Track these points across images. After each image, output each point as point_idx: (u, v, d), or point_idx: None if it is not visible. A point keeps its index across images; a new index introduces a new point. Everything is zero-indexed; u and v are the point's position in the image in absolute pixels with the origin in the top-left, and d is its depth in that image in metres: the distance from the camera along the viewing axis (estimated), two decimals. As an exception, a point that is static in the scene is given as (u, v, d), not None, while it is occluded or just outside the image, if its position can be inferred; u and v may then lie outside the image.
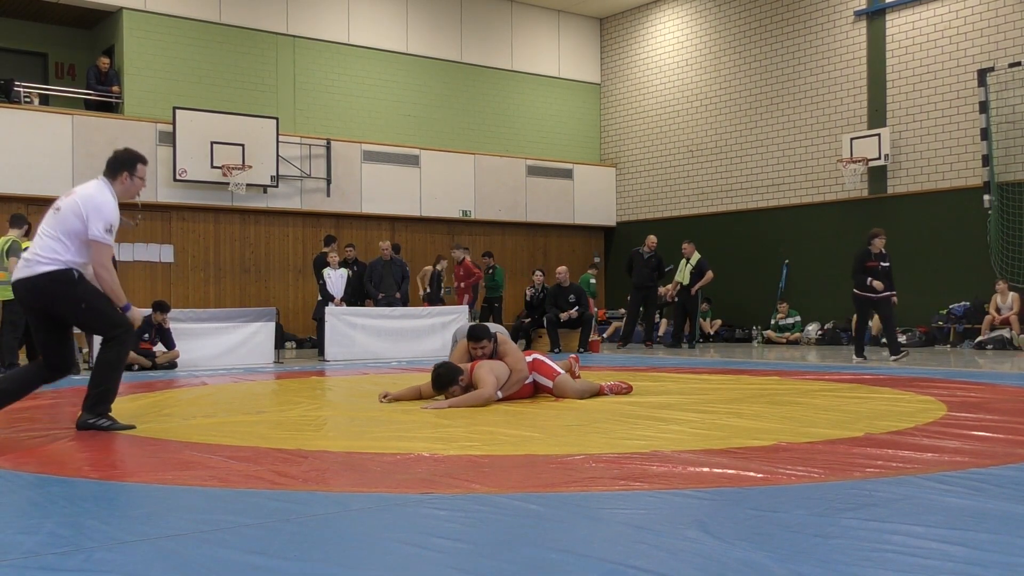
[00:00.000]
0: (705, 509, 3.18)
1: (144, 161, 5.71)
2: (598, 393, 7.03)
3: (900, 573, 2.39)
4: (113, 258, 13.06)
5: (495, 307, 16.01)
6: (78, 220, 5.34)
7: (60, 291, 5.33)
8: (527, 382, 6.86)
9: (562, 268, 15.33)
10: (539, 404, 6.55)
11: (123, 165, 5.64)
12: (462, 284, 15.15)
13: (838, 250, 16.58)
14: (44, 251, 5.33)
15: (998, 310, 13.89)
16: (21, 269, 5.38)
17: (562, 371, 7.04)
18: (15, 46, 16.90)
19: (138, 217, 13.68)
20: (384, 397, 6.88)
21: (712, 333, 17.48)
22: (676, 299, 15.52)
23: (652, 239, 15.88)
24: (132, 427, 5.45)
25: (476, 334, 6.91)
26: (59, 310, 5.39)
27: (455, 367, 6.66)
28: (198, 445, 4.79)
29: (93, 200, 5.40)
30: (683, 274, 15.33)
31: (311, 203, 16.83)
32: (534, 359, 7.01)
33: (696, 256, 15.38)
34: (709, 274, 15.33)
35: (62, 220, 5.38)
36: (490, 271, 16.07)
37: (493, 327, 7.37)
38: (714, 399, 6.77)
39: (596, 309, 16.23)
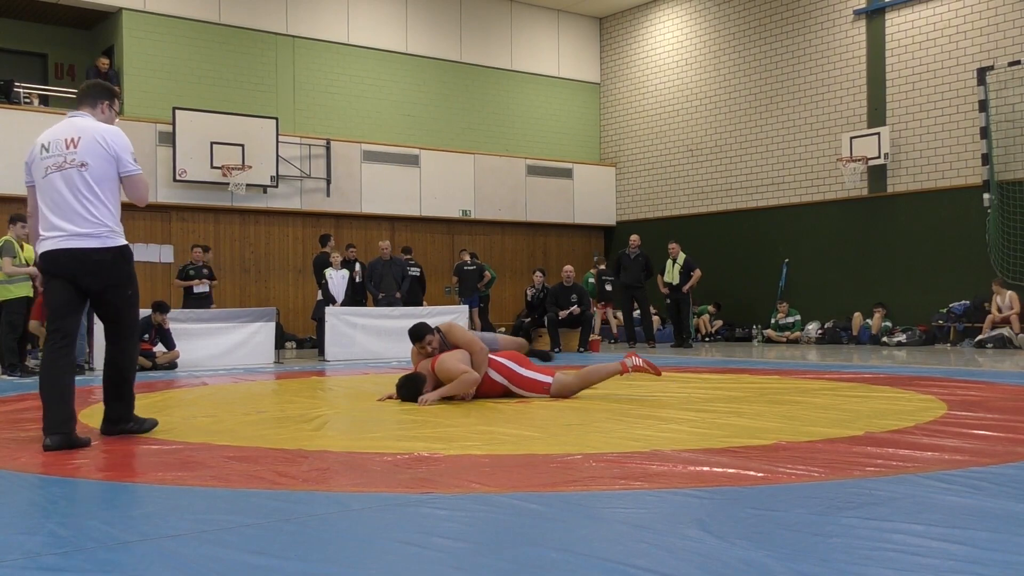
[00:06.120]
0: (705, 508, 3.18)
1: (119, 97, 4.99)
2: (621, 372, 6.79)
3: (900, 571, 2.39)
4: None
5: (482, 307, 15.94)
6: (109, 164, 4.77)
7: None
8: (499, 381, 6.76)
9: (568, 267, 15.34)
10: (539, 404, 6.53)
11: (103, 94, 5.04)
12: None
13: (838, 249, 16.59)
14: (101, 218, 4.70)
15: (999, 308, 13.88)
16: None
17: (551, 378, 6.81)
18: (15, 46, 16.90)
19: None
20: (384, 398, 6.94)
21: (712, 333, 17.49)
22: (668, 300, 15.54)
23: (635, 238, 15.90)
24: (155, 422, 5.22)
25: (416, 334, 6.86)
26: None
27: (415, 380, 6.62)
28: (198, 445, 4.79)
29: (109, 132, 4.82)
30: (671, 274, 15.35)
31: (311, 203, 16.83)
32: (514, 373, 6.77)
33: (682, 256, 15.39)
34: (697, 272, 15.34)
35: (97, 175, 4.73)
36: (471, 268, 15.89)
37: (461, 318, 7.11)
38: (714, 398, 6.76)
39: (596, 308, 16.24)
